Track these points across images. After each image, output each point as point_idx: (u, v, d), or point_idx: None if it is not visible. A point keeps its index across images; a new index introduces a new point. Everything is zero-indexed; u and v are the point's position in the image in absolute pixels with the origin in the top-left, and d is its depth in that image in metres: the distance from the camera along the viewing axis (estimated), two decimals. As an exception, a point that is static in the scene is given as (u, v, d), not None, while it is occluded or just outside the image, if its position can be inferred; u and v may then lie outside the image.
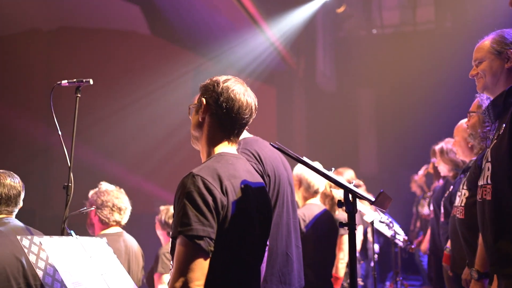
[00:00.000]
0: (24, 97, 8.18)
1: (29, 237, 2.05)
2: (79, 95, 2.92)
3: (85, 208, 2.85)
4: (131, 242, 3.58)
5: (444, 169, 4.45)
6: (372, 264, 5.71)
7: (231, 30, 8.11)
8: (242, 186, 1.81)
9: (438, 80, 9.57)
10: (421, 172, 7.20)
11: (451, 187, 4.01)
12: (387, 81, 10.89)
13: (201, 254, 1.64)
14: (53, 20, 8.47)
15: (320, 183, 4.08)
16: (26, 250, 1.99)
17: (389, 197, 1.82)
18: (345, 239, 4.39)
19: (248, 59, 8.49)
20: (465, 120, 3.39)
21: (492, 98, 2.49)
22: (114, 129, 8.11)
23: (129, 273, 3.44)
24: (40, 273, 1.94)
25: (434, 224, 4.79)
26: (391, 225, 4.35)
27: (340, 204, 1.84)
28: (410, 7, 11.31)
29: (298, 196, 4.07)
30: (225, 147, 1.92)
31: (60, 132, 2.83)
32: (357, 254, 4.97)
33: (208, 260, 1.67)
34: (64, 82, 2.93)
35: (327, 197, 4.60)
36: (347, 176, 5.39)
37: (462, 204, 3.17)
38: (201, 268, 1.64)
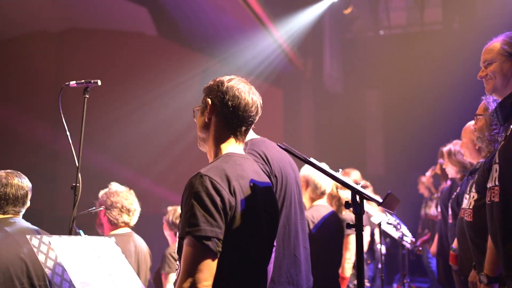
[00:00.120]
0: (33, 98, 8.23)
1: (39, 236, 2.06)
2: (87, 96, 2.94)
3: (94, 208, 2.87)
4: (140, 243, 3.60)
5: (451, 170, 4.43)
6: (379, 266, 5.69)
7: (238, 32, 8.12)
8: (250, 186, 1.81)
9: (446, 81, 9.52)
10: (428, 173, 7.17)
11: (458, 188, 3.99)
12: (394, 82, 10.85)
13: (209, 254, 1.64)
14: (61, 21, 8.52)
15: (327, 184, 4.07)
16: (35, 250, 2.00)
17: (397, 198, 1.82)
18: (351, 238, 4.39)
19: (255, 61, 8.50)
20: (473, 122, 3.37)
21: (499, 100, 2.48)
22: (121, 131, 8.13)
23: (138, 273, 3.47)
24: (49, 273, 1.95)
25: (441, 226, 4.77)
26: (398, 226, 4.33)
27: (347, 205, 1.83)
28: (417, 8, 11.26)
29: (305, 197, 4.07)
30: (232, 146, 1.92)
31: (68, 133, 2.85)
32: (364, 255, 4.95)
33: (216, 261, 1.66)
34: (72, 83, 2.95)
35: (333, 198, 4.60)
36: (353, 176, 5.38)
37: (471, 207, 3.15)
38: (209, 268, 1.64)
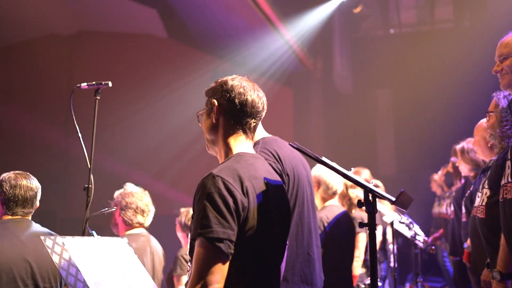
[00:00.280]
0: (44, 101, 8.31)
1: (52, 237, 2.07)
2: (98, 98, 2.96)
3: (106, 208, 2.88)
4: (155, 243, 3.63)
5: (464, 168, 4.39)
6: (392, 265, 5.66)
7: (248, 32, 8.12)
8: (262, 186, 1.81)
9: (457, 80, 9.45)
10: (440, 171, 7.12)
11: (472, 186, 3.96)
12: (404, 81, 10.79)
13: (220, 256, 1.63)
14: (72, 25, 8.59)
15: (339, 184, 4.07)
16: (49, 250, 2.01)
17: (410, 197, 1.80)
18: (360, 237, 4.37)
19: (265, 61, 8.50)
20: (485, 119, 3.35)
21: None
22: (132, 133, 8.18)
23: (153, 273, 3.49)
24: (63, 273, 1.96)
25: (454, 225, 4.73)
26: (411, 226, 4.30)
27: (360, 204, 1.82)
28: (427, 6, 11.19)
29: (317, 198, 4.06)
30: (242, 145, 1.91)
31: (80, 134, 2.87)
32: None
33: (228, 263, 1.65)
34: (84, 84, 2.97)
35: (344, 197, 4.59)
36: (363, 176, 5.36)
37: (483, 204, 3.12)
38: (220, 270, 1.62)
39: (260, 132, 2.75)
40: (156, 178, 8.07)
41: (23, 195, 2.64)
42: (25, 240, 2.50)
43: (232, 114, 1.90)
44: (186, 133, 7.59)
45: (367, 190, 1.80)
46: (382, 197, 1.79)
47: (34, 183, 2.72)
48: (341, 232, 3.89)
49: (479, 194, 3.26)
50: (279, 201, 1.90)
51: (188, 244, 1.78)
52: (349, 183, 4.59)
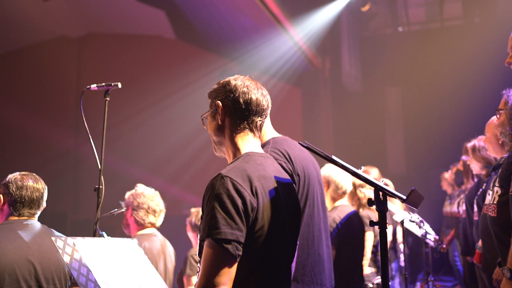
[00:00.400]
0: (54, 103, 8.36)
1: (63, 238, 2.07)
2: (108, 99, 2.97)
3: (116, 209, 2.89)
4: (166, 243, 3.66)
5: (476, 167, 4.36)
6: (401, 263, 5.63)
7: (256, 32, 8.13)
8: (272, 186, 1.79)
9: (466, 77, 9.39)
10: (450, 170, 7.07)
11: (484, 185, 3.93)
12: (414, 79, 10.75)
13: (228, 258, 1.62)
14: (80, 27, 8.64)
15: (348, 184, 4.05)
16: (60, 251, 2.02)
17: (420, 195, 1.78)
18: (368, 236, 4.36)
19: (273, 60, 8.50)
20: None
21: None
22: (139, 133, 8.21)
23: (166, 274, 3.50)
24: (74, 273, 1.97)
25: (466, 224, 4.69)
26: (421, 224, 4.27)
27: (370, 202, 1.80)
28: (436, 4, 11.12)
29: (327, 198, 4.05)
30: (250, 144, 1.90)
31: (90, 135, 2.88)
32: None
33: (236, 264, 1.64)
34: (93, 86, 2.99)
35: (353, 197, 4.58)
36: (372, 175, 5.35)
37: (494, 202, 3.09)
38: (228, 272, 1.61)
39: (270, 132, 2.74)
40: (166, 179, 8.09)
41: (30, 196, 2.64)
42: (29, 241, 2.51)
43: (237, 114, 1.88)
44: (195, 133, 7.61)
45: (378, 188, 1.78)
46: (393, 196, 1.77)
47: (40, 184, 2.72)
48: (354, 231, 3.90)
49: (490, 192, 3.24)
50: (289, 200, 1.89)
51: (198, 245, 1.77)
52: (357, 182, 4.58)
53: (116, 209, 2.91)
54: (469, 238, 4.58)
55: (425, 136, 10.37)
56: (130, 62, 8.76)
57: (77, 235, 2.43)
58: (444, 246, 6.46)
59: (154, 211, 3.56)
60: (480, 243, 3.68)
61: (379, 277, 4.46)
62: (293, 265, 1.99)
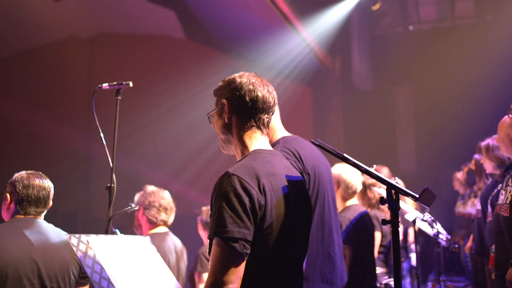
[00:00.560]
0: (65, 103, 8.42)
1: (77, 235, 2.09)
2: (119, 98, 2.99)
3: (129, 207, 2.91)
4: (178, 242, 3.69)
5: (489, 166, 4.32)
6: (412, 263, 5.60)
7: (266, 31, 8.12)
8: (281, 183, 1.78)
9: (478, 76, 9.31)
10: (462, 170, 7.02)
11: (500, 185, 3.89)
12: (424, 78, 10.68)
13: (236, 256, 1.61)
14: (91, 27, 8.69)
15: (358, 183, 4.04)
16: (74, 248, 2.03)
17: (433, 193, 1.77)
18: (375, 236, 4.35)
19: (283, 60, 8.49)
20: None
21: None
22: (152, 134, 8.24)
23: (178, 272, 3.53)
24: (88, 271, 1.98)
25: (481, 224, 4.64)
26: (434, 224, 4.24)
27: (382, 201, 1.79)
28: (448, 2, 11.03)
29: (337, 197, 4.04)
30: (258, 141, 1.89)
31: (102, 134, 2.90)
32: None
33: (244, 263, 1.63)
34: (105, 85, 3.01)
35: (364, 197, 4.57)
36: (382, 174, 5.31)
37: (507, 202, 3.07)
38: (235, 271, 1.61)
39: (281, 131, 2.75)
40: (177, 178, 8.12)
41: (36, 195, 2.64)
42: (33, 240, 2.51)
43: (244, 112, 1.87)
44: (205, 133, 7.62)
45: (390, 186, 1.77)
46: (406, 194, 1.76)
47: (46, 183, 2.72)
48: (368, 230, 3.90)
49: (503, 192, 3.21)
50: (299, 197, 1.87)
51: (208, 243, 1.77)
52: (368, 181, 4.57)
53: (129, 207, 2.93)
54: (484, 238, 4.54)
55: (436, 135, 10.30)
56: (140, 62, 8.79)
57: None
58: (467, 254, 6.36)
59: (166, 209, 3.61)
60: (494, 247, 3.65)
61: (387, 276, 4.45)
62: (304, 264, 1.98)
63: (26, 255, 2.45)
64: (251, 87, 1.87)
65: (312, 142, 1.90)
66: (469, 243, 6.34)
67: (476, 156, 5.29)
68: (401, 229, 5.29)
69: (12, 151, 7.57)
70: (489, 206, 4.03)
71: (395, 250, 1.76)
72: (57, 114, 8.11)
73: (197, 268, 4.01)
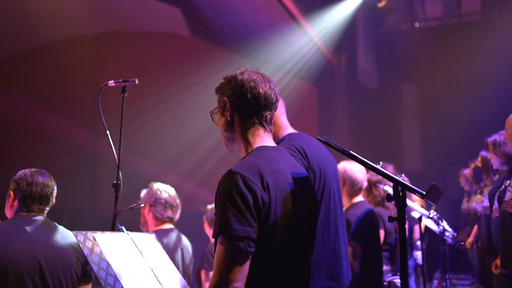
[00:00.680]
0: (72, 101, 8.44)
1: (83, 232, 2.09)
2: (125, 95, 3.00)
3: (135, 204, 2.91)
4: (184, 239, 3.70)
5: (496, 162, 4.30)
6: (418, 261, 5.58)
7: (271, 29, 8.11)
8: (285, 180, 1.77)
9: (484, 74, 9.27)
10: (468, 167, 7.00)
11: (508, 181, 3.88)
12: (431, 75, 10.64)
13: (240, 255, 1.60)
14: (96, 25, 8.70)
15: (364, 180, 4.03)
16: (80, 245, 2.03)
17: (440, 190, 1.76)
18: None
19: (289, 57, 8.48)
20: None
21: None
22: (155, 131, 8.25)
23: (184, 269, 3.54)
24: (94, 267, 1.98)
25: (489, 221, 4.62)
26: (440, 221, 4.23)
27: (389, 198, 1.78)
28: (454, -1, 10.99)
29: (343, 194, 4.03)
30: (262, 139, 1.87)
31: (108, 131, 2.91)
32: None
33: (248, 261, 1.63)
34: (111, 82, 3.02)
35: (369, 194, 4.56)
36: (387, 170, 5.30)
37: (514, 198, 3.06)
38: (240, 269, 1.60)
39: (287, 128, 2.74)
40: (183, 176, 8.13)
41: (40, 192, 2.65)
42: (36, 237, 2.52)
43: (246, 109, 1.85)
44: (211, 129, 7.61)
45: (397, 183, 1.76)
46: (413, 191, 1.75)
47: (50, 180, 2.73)
48: (375, 228, 3.90)
49: (510, 188, 3.20)
50: (304, 194, 1.86)
51: (214, 242, 1.77)
52: (373, 179, 4.56)
53: (135, 204, 2.93)
54: (494, 235, 4.52)
55: (442, 132, 10.27)
56: (145, 59, 8.81)
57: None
58: (473, 243, 6.36)
59: (172, 206, 3.62)
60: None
61: (391, 274, 4.45)
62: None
63: (28, 252, 2.46)
64: (252, 84, 1.85)
65: (318, 139, 1.88)
66: (470, 239, 6.33)
67: (483, 153, 5.26)
68: (406, 226, 5.27)
69: (18, 148, 7.61)
70: (495, 202, 4.01)
71: (401, 248, 1.75)
72: (63, 112, 8.13)
73: (203, 266, 4.02)
